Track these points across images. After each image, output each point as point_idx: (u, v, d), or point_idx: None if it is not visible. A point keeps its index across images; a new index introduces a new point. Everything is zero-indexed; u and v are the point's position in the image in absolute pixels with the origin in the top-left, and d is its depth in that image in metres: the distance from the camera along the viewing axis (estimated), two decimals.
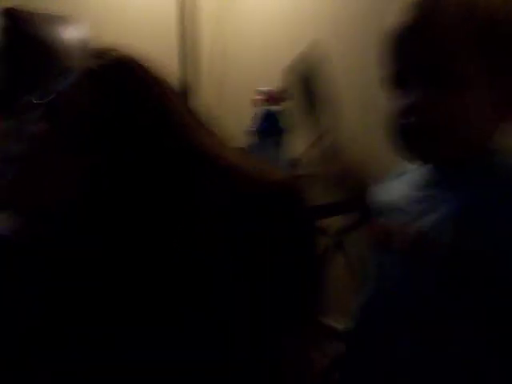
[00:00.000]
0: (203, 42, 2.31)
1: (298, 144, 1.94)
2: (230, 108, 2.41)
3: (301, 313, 0.80)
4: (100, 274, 0.69)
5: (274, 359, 0.76)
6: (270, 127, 1.45)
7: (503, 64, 0.72)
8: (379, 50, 0.80)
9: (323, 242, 1.61)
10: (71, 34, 1.63)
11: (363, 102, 1.84)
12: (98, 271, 0.69)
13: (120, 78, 0.75)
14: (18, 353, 0.65)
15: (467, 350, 0.72)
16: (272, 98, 1.53)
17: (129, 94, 0.74)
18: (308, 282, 0.81)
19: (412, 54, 0.76)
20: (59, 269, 0.69)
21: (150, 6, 2.22)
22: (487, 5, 0.72)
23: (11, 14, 1.58)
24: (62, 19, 1.66)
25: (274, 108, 1.50)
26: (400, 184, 0.85)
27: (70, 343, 0.66)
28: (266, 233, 0.74)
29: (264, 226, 0.74)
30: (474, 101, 0.72)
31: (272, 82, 1.77)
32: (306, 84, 1.15)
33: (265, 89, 1.55)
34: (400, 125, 0.77)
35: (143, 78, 0.76)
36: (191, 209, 0.72)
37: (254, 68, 2.30)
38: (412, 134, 0.77)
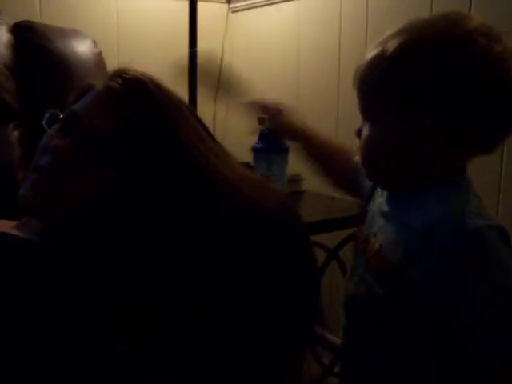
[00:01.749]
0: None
1: (299, 161, 1.99)
2: (236, 125, 2.44)
3: (299, 325, 0.83)
4: (120, 280, 0.72)
5: (272, 371, 0.79)
6: (274, 145, 1.48)
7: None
8: None
9: (321, 256, 1.64)
10: (84, 47, 1.66)
11: None
12: (117, 277, 0.72)
13: (139, 98, 0.78)
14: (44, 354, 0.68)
15: (408, 360, 0.79)
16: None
17: (146, 113, 0.77)
18: (307, 297, 0.84)
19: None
20: (81, 274, 0.73)
21: (162, 20, 2.27)
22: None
23: (24, 28, 1.62)
24: (74, 33, 1.70)
25: None
26: (381, 193, 0.90)
27: (90, 348, 0.69)
28: (267, 252, 0.78)
29: (264, 246, 0.78)
30: (385, 134, 0.80)
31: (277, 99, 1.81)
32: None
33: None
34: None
35: (160, 98, 0.79)
36: (198, 226, 0.75)
37: (260, 85, 2.34)
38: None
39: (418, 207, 0.79)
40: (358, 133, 0.85)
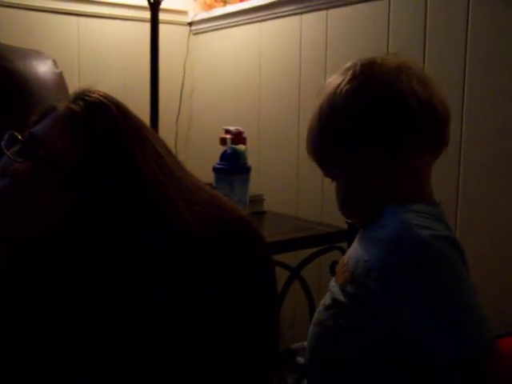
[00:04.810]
0: (172, 80, 2.38)
1: (261, 181, 2.01)
2: (197, 146, 2.46)
3: (261, 344, 0.83)
4: (79, 307, 0.72)
5: None
6: (236, 165, 1.50)
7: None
8: None
9: (283, 275, 1.65)
10: (44, 68, 1.65)
11: None
12: (76, 303, 0.72)
13: (100, 123, 0.77)
14: None
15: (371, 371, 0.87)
16: (238, 136, 1.58)
17: (106, 139, 0.76)
18: (268, 316, 0.85)
19: None
20: (39, 297, 0.72)
21: (123, 41, 2.28)
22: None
23: None
24: (34, 53, 1.69)
25: (240, 147, 1.55)
26: None
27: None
28: (226, 270, 0.78)
29: (224, 264, 0.78)
30: (343, 183, 0.95)
31: (238, 121, 1.83)
32: None
33: (232, 128, 1.60)
34: None
35: (122, 122, 0.78)
36: (153, 253, 0.75)
37: (222, 107, 2.37)
38: None
39: (377, 227, 0.89)
40: None
